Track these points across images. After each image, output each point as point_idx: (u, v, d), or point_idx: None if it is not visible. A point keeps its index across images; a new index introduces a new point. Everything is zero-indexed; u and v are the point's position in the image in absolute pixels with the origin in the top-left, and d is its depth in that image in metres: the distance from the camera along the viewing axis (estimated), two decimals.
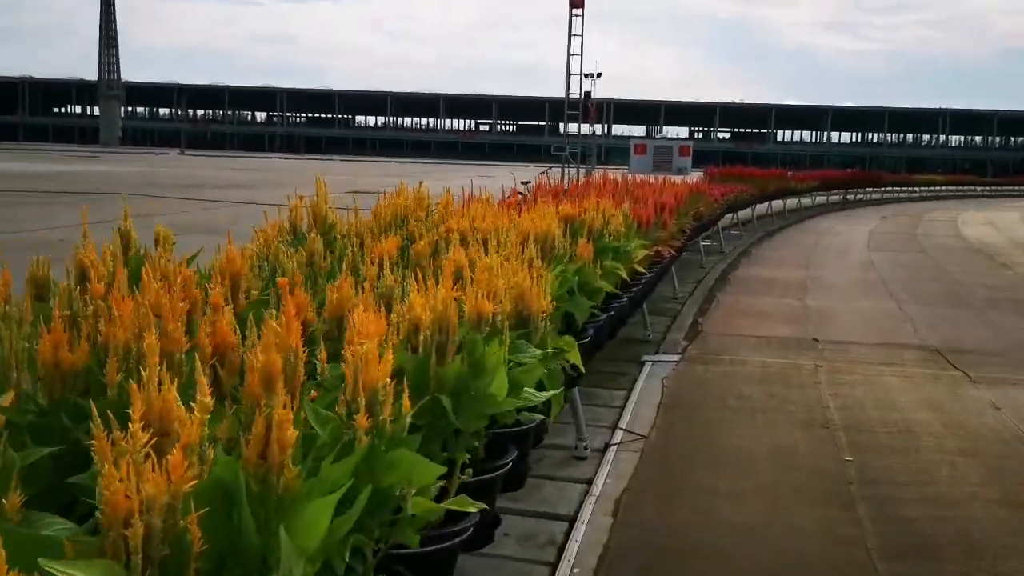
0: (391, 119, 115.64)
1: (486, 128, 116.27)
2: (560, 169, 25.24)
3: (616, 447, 4.76)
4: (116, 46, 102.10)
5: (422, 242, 2.82)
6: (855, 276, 13.03)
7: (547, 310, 2.49)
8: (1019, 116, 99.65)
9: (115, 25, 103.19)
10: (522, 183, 7.52)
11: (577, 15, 28.58)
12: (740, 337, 7.99)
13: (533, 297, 2.44)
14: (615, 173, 10.39)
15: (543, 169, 19.90)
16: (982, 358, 7.43)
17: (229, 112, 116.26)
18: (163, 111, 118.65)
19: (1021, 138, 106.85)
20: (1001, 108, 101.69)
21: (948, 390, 6.23)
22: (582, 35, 28.56)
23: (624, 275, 4.24)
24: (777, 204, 23.71)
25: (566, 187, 7.26)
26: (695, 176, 20.90)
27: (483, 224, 3.25)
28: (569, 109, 28.18)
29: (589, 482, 4.25)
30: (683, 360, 6.89)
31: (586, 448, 4.63)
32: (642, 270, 5.13)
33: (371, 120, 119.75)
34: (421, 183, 4.01)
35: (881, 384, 6.33)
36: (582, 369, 2.87)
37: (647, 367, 6.61)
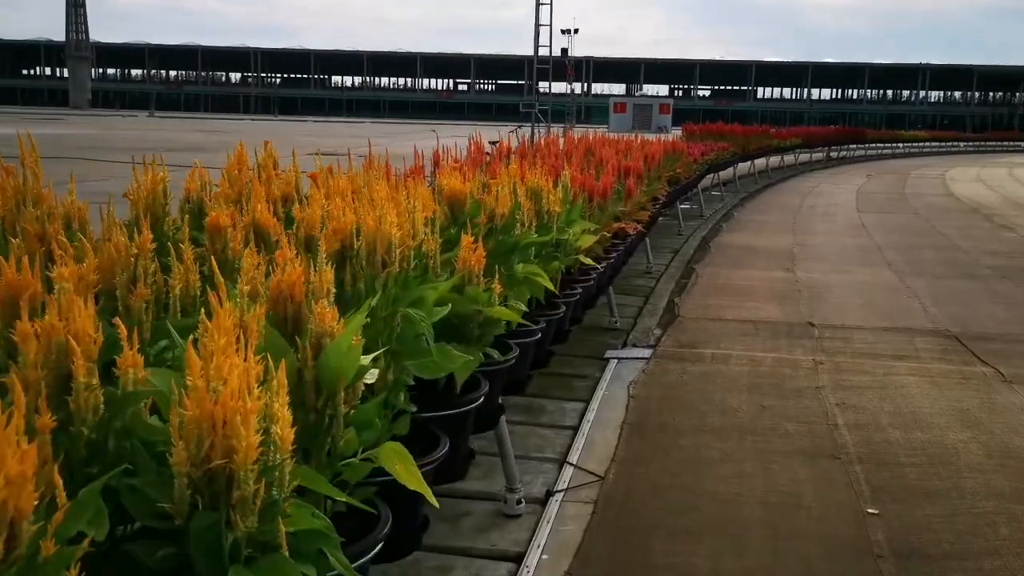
0: (368, 79, 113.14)
1: (464, 88, 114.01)
2: (530, 128, 23.84)
3: (561, 496, 3.56)
4: (84, 5, 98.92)
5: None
6: (847, 242, 11.87)
7: (286, 449, 1.09)
8: (998, 71, 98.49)
9: None
10: (490, 143, 6.39)
11: None
12: (723, 322, 6.81)
13: (236, 430, 1.05)
14: (580, 132, 9.18)
15: (511, 128, 18.57)
16: (1009, 346, 6.28)
17: (203, 73, 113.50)
18: (135, 72, 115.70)
19: (1000, 93, 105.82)
20: (980, 64, 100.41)
21: (980, 395, 5.05)
22: None
23: (547, 283, 2.86)
24: (760, 163, 22.54)
25: (512, 151, 6.02)
26: (675, 134, 19.69)
27: (313, 216, 1.92)
28: (539, 63, 26.66)
29: (519, 560, 3.05)
30: (655, 356, 5.70)
31: (519, 501, 3.42)
32: (590, 262, 3.83)
33: (347, 80, 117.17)
34: (267, 144, 2.77)
35: (897, 388, 5.14)
36: (435, 504, 1.63)
37: (611, 367, 5.42)
